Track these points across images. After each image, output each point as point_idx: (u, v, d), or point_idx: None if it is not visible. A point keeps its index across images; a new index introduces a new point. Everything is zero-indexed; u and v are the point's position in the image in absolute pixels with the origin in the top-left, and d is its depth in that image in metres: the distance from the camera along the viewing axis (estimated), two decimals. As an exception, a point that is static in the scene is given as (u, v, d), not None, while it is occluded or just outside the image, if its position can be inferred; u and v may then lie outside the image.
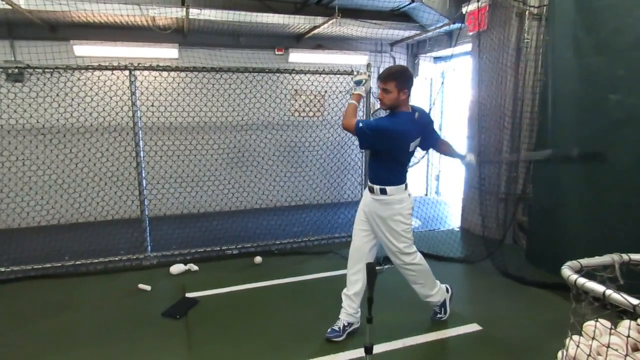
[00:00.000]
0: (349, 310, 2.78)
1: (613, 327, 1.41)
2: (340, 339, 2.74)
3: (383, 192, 2.62)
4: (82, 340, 2.82)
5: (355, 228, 2.81)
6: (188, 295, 3.41)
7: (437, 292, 2.88)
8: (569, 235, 3.53)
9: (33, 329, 2.97)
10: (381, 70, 7.11)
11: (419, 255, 2.78)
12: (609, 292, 1.20)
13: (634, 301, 1.15)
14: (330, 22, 5.03)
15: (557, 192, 3.69)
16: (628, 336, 1.28)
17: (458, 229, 5.23)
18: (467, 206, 5.09)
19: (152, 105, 4.93)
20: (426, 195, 7.17)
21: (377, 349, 2.50)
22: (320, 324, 2.93)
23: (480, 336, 2.83)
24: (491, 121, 4.55)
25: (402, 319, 3.02)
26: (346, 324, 2.77)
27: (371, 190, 2.67)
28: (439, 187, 7.15)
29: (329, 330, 2.78)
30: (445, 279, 3.73)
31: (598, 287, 1.25)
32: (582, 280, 1.30)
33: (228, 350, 2.68)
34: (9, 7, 4.02)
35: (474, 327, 2.91)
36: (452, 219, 5.69)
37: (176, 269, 3.91)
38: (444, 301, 2.95)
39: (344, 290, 2.84)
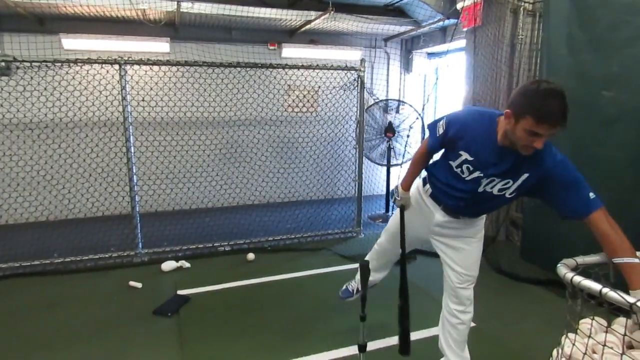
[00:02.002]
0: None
1: (609, 325, 1.40)
2: (352, 299, 2.73)
3: None
4: (72, 338, 2.77)
5: (394, 232, 2.31)
6: (180, 292, 3.38)
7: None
8: (563, 232, 3.53)
9: (22, 327, 2.92)
10: (377, 67, 7.01)
11: None
12: (605, 290, 1.19)
13: (631, 299, 1.14)
14: (324, 16, 4.99)
15: (551, 189, 3.70)
16: (625, 334, 1.27)
17: (451, 226, 5.23)
18: (461, 202, 5.08)
19: (143, 100, 4.86)
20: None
21: (371, 346, 2.49)
22: (313, 321, 2.92)
23: (473, 333, 2.81)
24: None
25: (395, 315, 3.01)
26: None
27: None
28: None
29: (342, 290, 2.79)
30: (439, 275, 3.74)
31: (594, 285, 1.24)
32: (578, 279, 1.29)
33: (220, 348, 2.65)
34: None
35: (467, 324, 2.90)
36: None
37: (167, 266, 3.86)
38: None
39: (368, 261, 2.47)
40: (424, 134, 5.47)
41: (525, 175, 1.76)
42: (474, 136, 1.81)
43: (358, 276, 2.67)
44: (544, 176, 1.74)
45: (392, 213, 2.44)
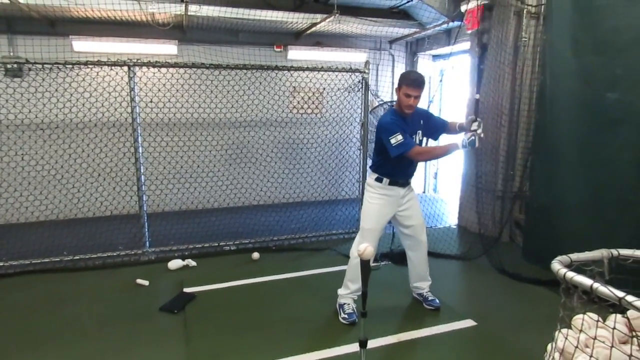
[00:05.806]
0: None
1: (601, 319, 1.43)
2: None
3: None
4: (81, 333, 2.84)
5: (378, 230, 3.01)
6: (186, 290, 3.44)
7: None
8: (566, 232, 3.55)
9: (32, 322, 2.99)
10: (382, 69, 7.02)
11: None
12: (596, 285, 1.23)
13: (620, 294, 1.18)
14: (329, 19, 5.04)
15: (555, 190, 3.71)
16: (614, 328, 1.30)
17: (455, 227, 5.26)
18: (464, 204, 5.11)
19: (151, 102, 4.94)
20: (424, 192, 7.19)
21: (372, 343, 2.53)
22: (316, 319, 2.97)
23: (474, 331, 2.86)
24: (489, 119, 4.57)
25: (397, 314, 3.05)
26: None
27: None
28: (437, 184, 7.17)
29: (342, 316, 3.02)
30: (442, 275, 3.78)
31: (586, 281, 1.27)
32: (570, 274, 1.33)
33: (225, 345, 2.70)
34: (7, 1, 4.04)
35: (468, 323, 2.93)
36: (450, 216, 5.72)
37: (174, 264, 3.93)
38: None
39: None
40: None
41: (420, 126, 2.94)
42: (399, 124, 2.78)
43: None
44: (426, 117, 3.00)
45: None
